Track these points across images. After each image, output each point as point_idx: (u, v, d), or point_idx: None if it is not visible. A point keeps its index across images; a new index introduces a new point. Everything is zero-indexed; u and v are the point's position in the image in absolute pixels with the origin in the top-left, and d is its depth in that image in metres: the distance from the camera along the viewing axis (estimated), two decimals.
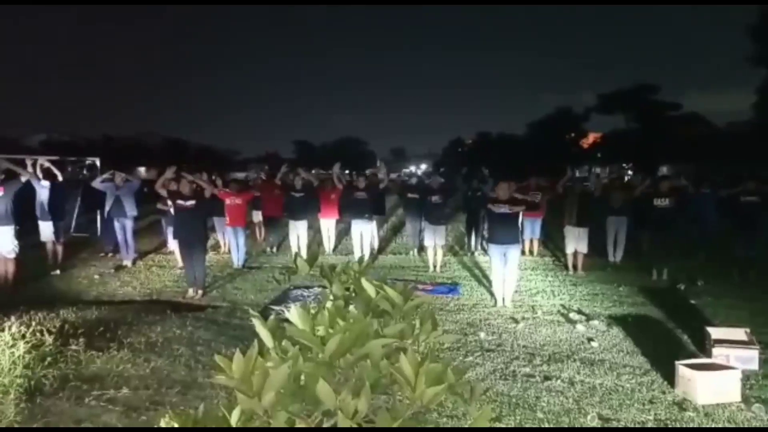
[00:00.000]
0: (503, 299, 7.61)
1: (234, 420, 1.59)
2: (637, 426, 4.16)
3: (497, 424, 4.00)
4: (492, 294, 7.88)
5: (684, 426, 4.16)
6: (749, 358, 5.30)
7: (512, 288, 7.68)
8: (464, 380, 1.96)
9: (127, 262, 10.11)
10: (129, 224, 10.18)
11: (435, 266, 9.92)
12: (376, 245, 11.67)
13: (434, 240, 9.86)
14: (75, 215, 12.60)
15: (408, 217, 12.11)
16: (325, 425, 1.63)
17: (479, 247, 11.78)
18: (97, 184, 10.50)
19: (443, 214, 10.10)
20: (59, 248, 9.77)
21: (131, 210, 10.16)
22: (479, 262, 10.66)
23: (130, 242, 10.26)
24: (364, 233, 10.51)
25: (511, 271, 7.58)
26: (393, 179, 14.49)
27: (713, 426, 4.17)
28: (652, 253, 9.65)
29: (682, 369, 4.77)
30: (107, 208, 10.21)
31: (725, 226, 10.26)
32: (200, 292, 7.98)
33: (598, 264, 10.23)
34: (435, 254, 9.95)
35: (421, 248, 11.61)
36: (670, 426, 4.16)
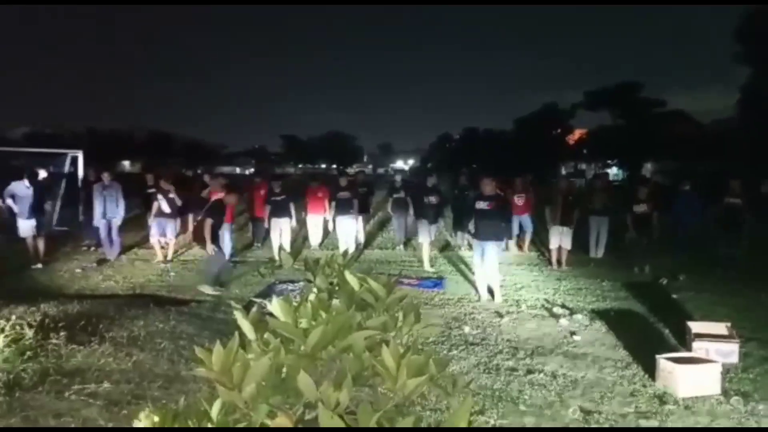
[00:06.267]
0: (488, 294, 7.65)
1: (215, 413, 1.57)
2: (618, 417, 4.20)
3: (480, 417, 4.03)
4: (476, 289, 7.91)
5: (664, 418, 4.21)
6: (729, 351, 5.38)
7: (496, 283, 7.69)
8: (447, 373, 1.96)
9: (111, 257, 10.01)
10: (116, 222, 10.13)
11: (427, 263, 9.87)
12: (362, 240, 11.68)
13: (428, 237, 9.91)
14: (57, 209, 12.43)
15: (395, 213, 12.11)
16: (307, 417, 1.62)
17: (465, 243, 11.82)
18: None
19: (439, 212, 10.27)
20: (40, 242, 9.64)
21: (114, 211, 10.08)
22: (465, 257, 10.69)
23: (116, 239, 10.21)
24: (349, 230, 10.54)
25: (489, 267, 7.61)
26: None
27: (693, 418, 4.22)
28: (634, 250, 9.78)
29: (663, 362, 4.83)
30: (97, 208, 10.04)
31: (708, 224, 10.38)
32: (205, 287, 7.85)
33: (582, 259, 10.33)
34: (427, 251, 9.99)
35: (407, 243, 11.66)
36: (650, 418, 4.21)
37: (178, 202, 10.09)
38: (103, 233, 10.09)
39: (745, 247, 9.56)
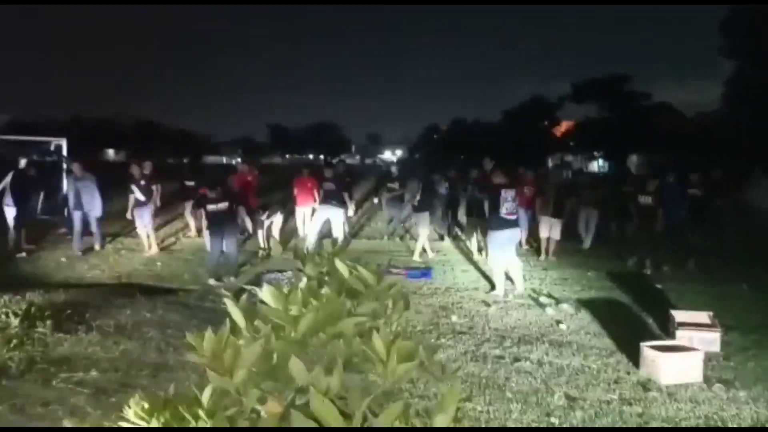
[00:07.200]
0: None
1: (205, 398, 1.58)
2: (603, 404, 4.27)
3: (467, 404, 4.07)
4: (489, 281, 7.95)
5: (647, 405, 4.29)
6: (711, 340, 5.48)
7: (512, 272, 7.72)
8: (435, 360, 1.99)
9: (96, 247, 9.81)
10: (94, 215, 9.69)
11: (417, 253, 9.90)
12: (347, 230, 11.58)
13: (428, 229, 10.00)
14: (41, 198, 12.27)
15: (389, 203, 12.07)
16: (298, 402, 1.64)
17: (453, 234, 11.87)
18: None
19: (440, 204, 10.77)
20: (23, 231, 9.53)
21: (90, 203, 9.60)
22: (453, 248, 10.78)
23: (96, 231, 9.83)
24: (333, 219, 10.38)
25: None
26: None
27: (675, 405, 4.30)
28: (629, 242, 9.88)
29: (646, 350, 4.91)
30: (70, 201, 9.70)
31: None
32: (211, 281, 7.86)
33: (568, 250, 10.43)
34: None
35: (394, 233, 11.71)
36: (633, 404, 4.28)
37: (154, 189, 9.97)
38: (77, 226, 9.59)
39: (721, 235, 9.72)
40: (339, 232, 10.43)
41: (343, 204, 10.45)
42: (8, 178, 9.47)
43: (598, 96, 41.16)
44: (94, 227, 9.83)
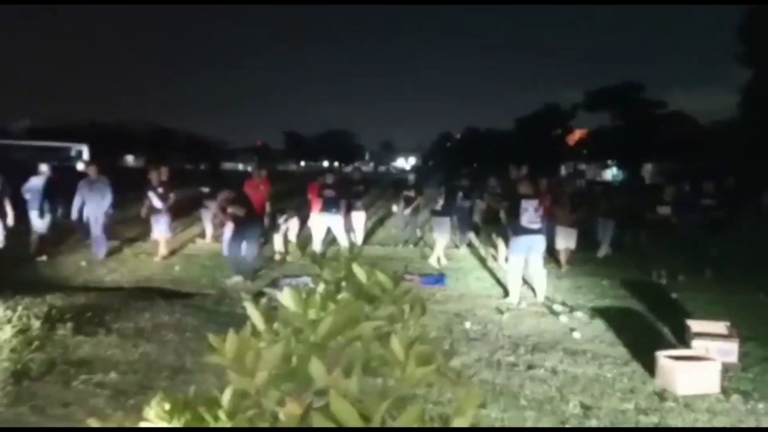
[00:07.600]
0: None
1: (225, 399, 1.62)
2: (618, 413, 4.25)
3: (482, 411, 4.07)
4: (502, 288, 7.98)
5: (664, 415, 4.26)
6: (728, 350, 5.41)
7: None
8: (450, 366, 2.01)
9: (100, 256, 9.57)
10: (101, 219, 9.63)
11: (434, 260, 9.91)
12: (353, 239, 11.44)
13: (447, 235, 10.10)
14: (62, 202, 12.43)
15: (406, 211, 12.07)
16: (317, 405, 1.67)
17: (467, 242, 11.86)
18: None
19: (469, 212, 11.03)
20: (45, 235, 9.67)
21: (100, 206, 9.59)
22: (467, 255, 10.77)
23: (101, 236, 9.69)
24: (333, 227, 10.33)
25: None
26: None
27: (692, 415, 4.27)
28: (650, 255, 9.82)
29: (662, 360, 4.87)
30: (77, 203, 9.64)
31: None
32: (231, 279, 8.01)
33: (582, 258, 10.37)
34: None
35: (411, 240, 11.73)
36: (649, 414, 4.26)
37: (170, 197, 9.97)
38: (93, 230, 9.61)
39: (737, 244, 9.63)
40: (342, 239, 10.28)
41: (341, 211, 10.28)
42: (38, 184, 9.57)
43: (611, 104, 40.99)
44: (99, 230, 9.65)
